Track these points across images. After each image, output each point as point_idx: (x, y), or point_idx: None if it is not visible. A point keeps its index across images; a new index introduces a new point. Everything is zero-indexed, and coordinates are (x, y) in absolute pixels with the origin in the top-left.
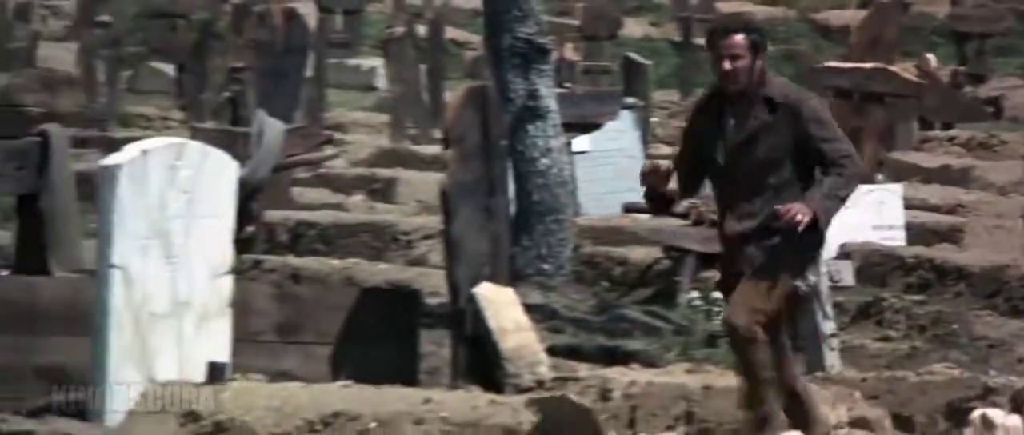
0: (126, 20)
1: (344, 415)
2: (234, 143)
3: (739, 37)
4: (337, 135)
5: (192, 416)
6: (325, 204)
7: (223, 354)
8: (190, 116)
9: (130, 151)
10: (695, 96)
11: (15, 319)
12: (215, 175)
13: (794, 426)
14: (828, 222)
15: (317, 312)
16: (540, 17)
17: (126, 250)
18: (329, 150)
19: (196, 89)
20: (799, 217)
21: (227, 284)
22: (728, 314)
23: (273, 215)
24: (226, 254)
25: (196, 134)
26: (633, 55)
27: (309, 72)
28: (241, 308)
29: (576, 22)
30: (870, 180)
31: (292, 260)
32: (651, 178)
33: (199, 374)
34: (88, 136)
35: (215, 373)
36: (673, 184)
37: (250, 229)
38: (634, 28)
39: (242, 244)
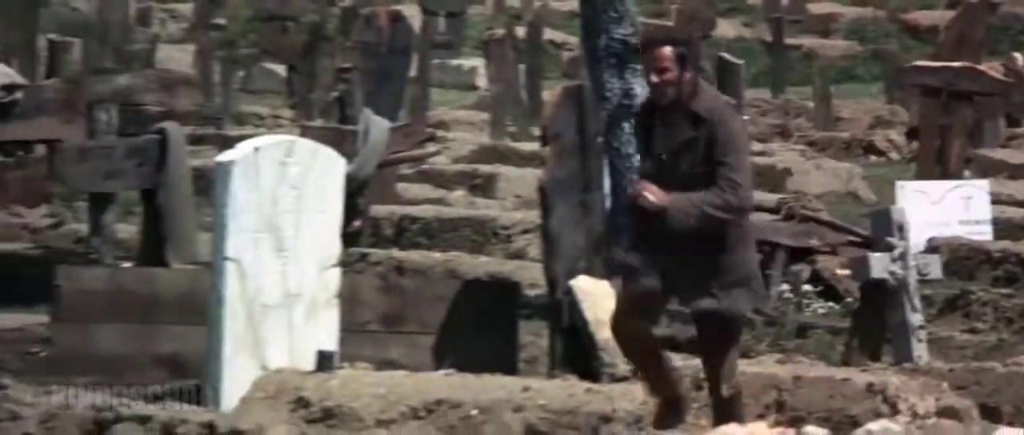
0: (240, 23)
1: (446, 402)
2: (341, 141)
3: (666, 50)
4: (439, 133)
5: (302, 402)
6: (428, 199)
7: (331, 343)
8: (300, 115)
9: (243, 148)
10: (786, 95)
11: (136, 309)
12: (323, 171)
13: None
14: (673, 218)
15: (421, 303)
16: (635, 18)
17: (240, 243)
18: (432, 147)
19: (306, 89)
20: (649, 196)
21: (335, 276)
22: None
23: (379, 210)
24: (334, 247)
25: (306, 132)
26: (726, 55)
27: (413, 72)
28: (348, 299)
29: (670, 24)
30: (958, 176)
31: (396, 253)
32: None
33: (308, 363)
34: (204, 134)
35: (324, 362)
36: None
37: (356, 223)
38: (727, 29)
39: (349, 238)
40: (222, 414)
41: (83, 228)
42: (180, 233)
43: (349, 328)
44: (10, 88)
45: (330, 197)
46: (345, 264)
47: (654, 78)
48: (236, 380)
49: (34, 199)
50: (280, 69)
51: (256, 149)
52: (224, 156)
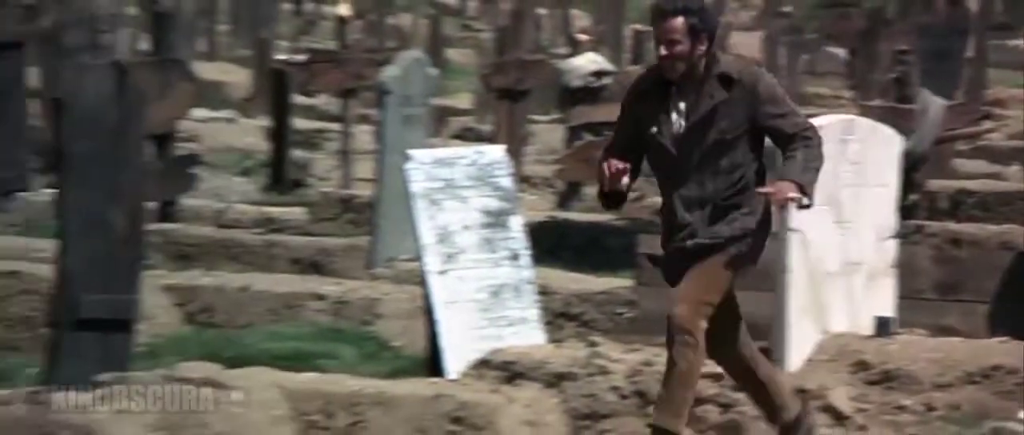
0: (804, 10)
1: (1002, 368)
2: (899, 119)
3: (677, 21)
4: (995, 110)
5: (862, 365)
6: (983, 174)
7: (889, 309)
8: (859, 95)
9: None
10: None
11: None
12: (882, 148)
13: (763, 413)
14: (812, 196)
15: (976, 273)
16: None
17: (804, 216)
18: (986, 124)
19: (865, 70)
20: (791, 194)
21: (892, 247)
22: (673, 308)
23: (934, 184)
24: (891, 219)
25: (865, 111)
26: None
27: (969, 53)
28: (905, 268)
29: None
30: None
31: (951, 225)
32: (604, 177)
33: (867, 328)
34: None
35: (882, 327)
36: (625, 180)
37: (913, 197)
38: None
39: (906, 210)
40: (788, 374)
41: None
42: None
43: (906, 296)
44: (599, 74)
45: (887, 172)
46: (901, 235)
47: (664, 50)
48: (800, 343)
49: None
50: (841, 52)
51: (819, 127)
52: None
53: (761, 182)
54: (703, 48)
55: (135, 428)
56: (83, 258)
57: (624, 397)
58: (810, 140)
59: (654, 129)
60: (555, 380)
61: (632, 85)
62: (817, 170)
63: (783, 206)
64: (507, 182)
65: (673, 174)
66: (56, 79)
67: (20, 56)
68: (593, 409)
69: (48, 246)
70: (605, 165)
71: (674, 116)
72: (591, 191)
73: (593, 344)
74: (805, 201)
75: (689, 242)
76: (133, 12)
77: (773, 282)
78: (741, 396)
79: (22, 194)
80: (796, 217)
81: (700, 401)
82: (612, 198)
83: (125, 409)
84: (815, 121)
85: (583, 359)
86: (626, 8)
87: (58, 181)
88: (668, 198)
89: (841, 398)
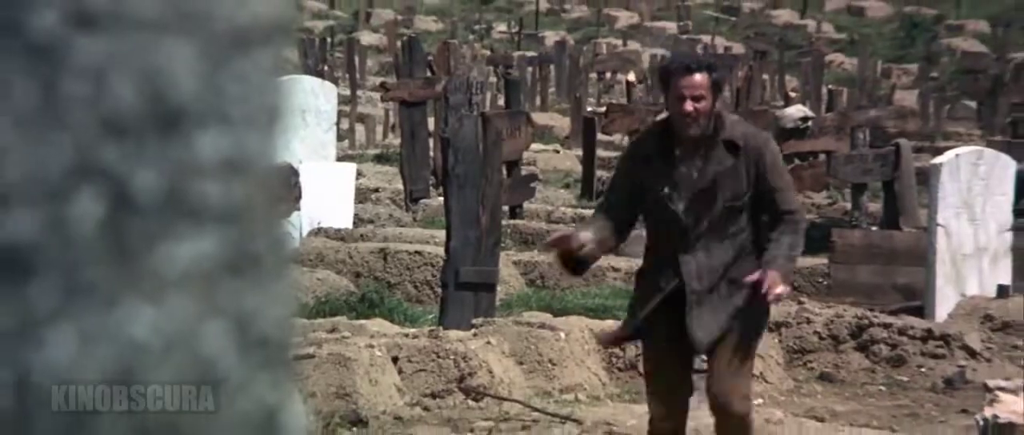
0: (947, 75)
1: None
2: (1013, 150)
3: (701, 76)
4: None
5: (988, 318)
6: None
7: (1007, 280)
8: (985, 133)
9: (948, 155)
10: None
11: (882, 256)
12: (1002, 169)
13: None
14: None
15: None
16: None
17: (946, 215)
18: None
19: (990, 116)
20: (780, 291)
21: (1009, 237)
22: (724, 400)
23: None
24: (1008, 218)
25: (990, 144)
26: None
27: None
28: (1017, 252)
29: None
30: None
31: None
32: (560, 247)
33: (992, 292)
34: (922, 146)
35: (1002, 292)
36: (591, 247)
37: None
38: None
39: (1018, 212)
40: (936, 323)
41: (847, 205)
42: (908, 208)
43: (1018, 271)
44: (805, 119)
45: (1006, 185)
46: (1016, 229)
47: (689, 107)
48: (944, 303)
49: (818, 186)
50: (973, 103)
51: (957, 155)
52: (936, 160)
53: (758, 242)
54: (718, 105)
55: (495, 354)
56: (462, 242)
57: (821, 338)
58: (798, 224)
59: (664, 192)
60: (775, 326)
61: (632, 147)
62: (796, 259)
63: (774, 300)
64: None
65: (679, 238)
66: (446, 124)
67: (424, 109)
68: (800, 346)
69: (440, 234)
70: (568, 238)
71: (682, 180)
72: (801, 200)
73: (800, 302)
74: (787, 294)
75: (695, 312)
76: (493, 79)
77: (925, 261)
78: None
79: (425, 200)
80: (941, 216)
81: None
82: (579, 265)
83: (491, 342)
84: (955, 152)
85: (794, 313)
86: (824, 73)
87: (446, 191)
88: (667, 260)
89: (974, 340)
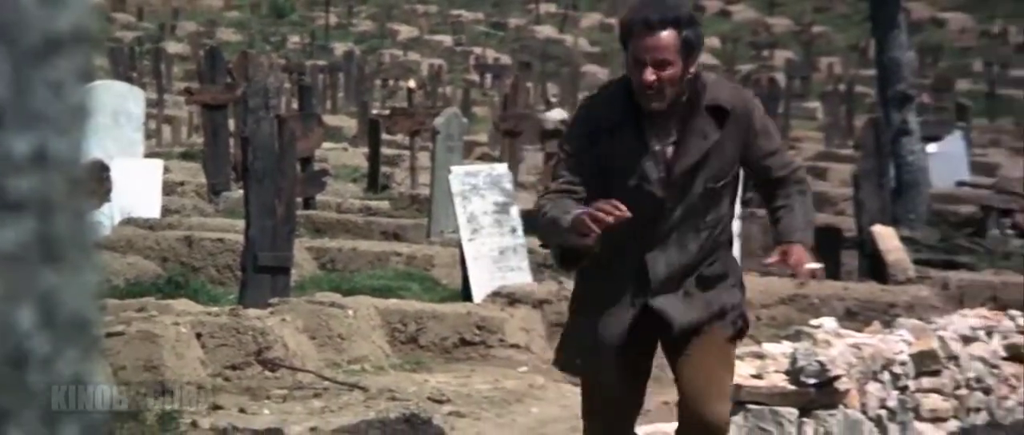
0: None
1: None
2: None
3: (667, 35)
4: None
5: None
6: None
7: None
8: None
9: None
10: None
11: None
12: None
13: None
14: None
15: None
16: None
17: None
18: None
19: None
20: (811, 266)
21: (736, 225)
22: (704, 410)
23: None
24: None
25: None
26: (963, 100)
27: None
28: None
29: None
30: None
31: None
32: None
33: None
34: None
35: None
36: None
37: None
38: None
39: (746, 204)
40: None
41: None
42: None
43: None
44: (564, 121)
45: None
46: (743, 217)
47: (650, 76)
48: None
49: None
50: None
51: None
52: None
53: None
54: (693, 70)
55: (290, 330)
56: (260, 230)
57: None
58: (802, 183)
59: (635, 173)
60: (538, 304)
61: (589, 109)
62: (812, 223)
63: (806, 277)
64: (509, 186)
65: (647, 229)
66: (246, 125)
67: (225, 112)
68: (560, 321)
69: (240, 223)
70: (598, 210)
71: (653, 158)
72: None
73: (560, 282)
74: (819, 270)
75: (672, 315)
76: (288, 85)
77: None
78: None
79: (226, 193)
80: None
81: None
82: (577, 256)
83: (285, 319)
84: None
85: (555, 291)
86: (579, 81)
87: (245, 185)
88: (627, 261)
89: None
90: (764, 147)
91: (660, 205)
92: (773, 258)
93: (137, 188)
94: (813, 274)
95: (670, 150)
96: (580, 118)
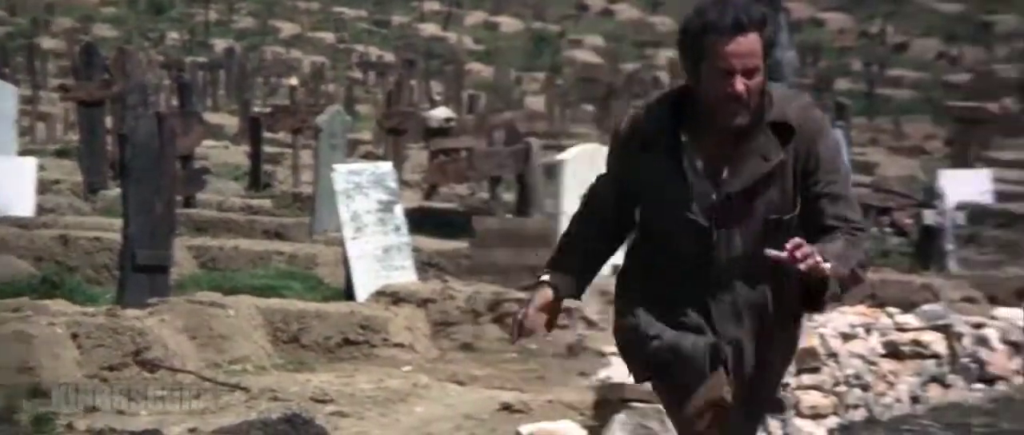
0: None
1: None
2: None
3: (755, 37)
4: None
5: (603, 293)
6: None
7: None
8: (603, 133)
9: (571, 152)
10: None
11: (515, 240)
12: None
13: None
14: (833, 297)
15: None
16: None
17: (569, 203)
18: None
19: (607, 118)
20: (817, 259)
21: None
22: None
23: None
24: None
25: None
26: (842, 99)
27: None
28: None
29: None
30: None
31: None
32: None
33: None
34: (549, 144)
35: None
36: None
37: None
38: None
39: None
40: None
41: (485, 195)
42: (537, 198)
43: None
44: (449, 120)
45: None
46: None
47: (739, 86)
48: None
49: (460, 179)
50: None
51: (577, 152)
52: (560, 156)
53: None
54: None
55: (169, 330)
56: (139, 229)
57: (463, 312)
58: (857, 235)
59: (678, 199)
60: (423, 303)
61: (625, 132)
62: (851, 265)
63: (809, 267)
64: (393, 184)
65: (693, 268)
66: (124, 123)
67: (102, 109)
68: (445, 320)
69: (118, 222)
70: (525, 312)
71: (699, 181)
72: (445, 191)
73: (445, 281)
74: (836, 291)
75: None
76: (167, 82)
77: (552, 244)
78: None
79: (103, 191)
80: (565, 203)
81: None
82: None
83: (165, 319)
84: (576, 149)
85: (439, 290)
86: (464, 80)
87: (123, 183)
88: (676, 298)
89: (592, 312)
90: (823, 183)
91: (707, 236)
92: (773, 253)
93: (10, 186)
94: (814, 266)
95: (723, 175)
96: (623, 134)
